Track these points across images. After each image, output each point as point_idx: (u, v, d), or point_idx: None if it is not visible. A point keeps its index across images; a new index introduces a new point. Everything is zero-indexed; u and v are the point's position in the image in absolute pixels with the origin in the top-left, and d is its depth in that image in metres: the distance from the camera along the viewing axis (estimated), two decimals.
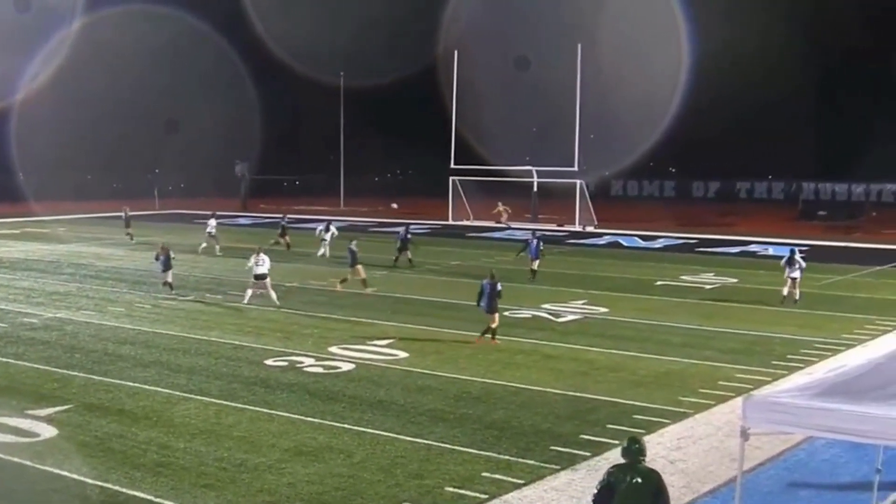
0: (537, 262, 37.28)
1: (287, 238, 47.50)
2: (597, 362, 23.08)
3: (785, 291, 32.11)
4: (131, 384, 20.57)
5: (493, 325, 24.69)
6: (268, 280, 30.70)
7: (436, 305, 31.51)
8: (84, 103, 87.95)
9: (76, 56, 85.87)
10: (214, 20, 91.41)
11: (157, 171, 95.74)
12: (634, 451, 10.55)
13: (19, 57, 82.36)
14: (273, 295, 30.52)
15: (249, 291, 30.95)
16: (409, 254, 41.49)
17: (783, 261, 32.72)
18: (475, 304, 25.24)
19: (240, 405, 19.00)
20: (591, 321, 28.91)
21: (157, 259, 33.60)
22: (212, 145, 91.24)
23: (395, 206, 63.12)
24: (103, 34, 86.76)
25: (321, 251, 43.67)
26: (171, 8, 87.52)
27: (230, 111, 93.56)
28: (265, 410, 18.62)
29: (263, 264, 30.59)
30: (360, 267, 34.11)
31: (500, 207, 65.27)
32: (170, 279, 33.19)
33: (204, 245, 45.63)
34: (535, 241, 37.68)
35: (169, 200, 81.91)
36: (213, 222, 46.70)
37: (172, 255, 33.58)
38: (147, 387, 20.36)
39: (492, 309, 24.66)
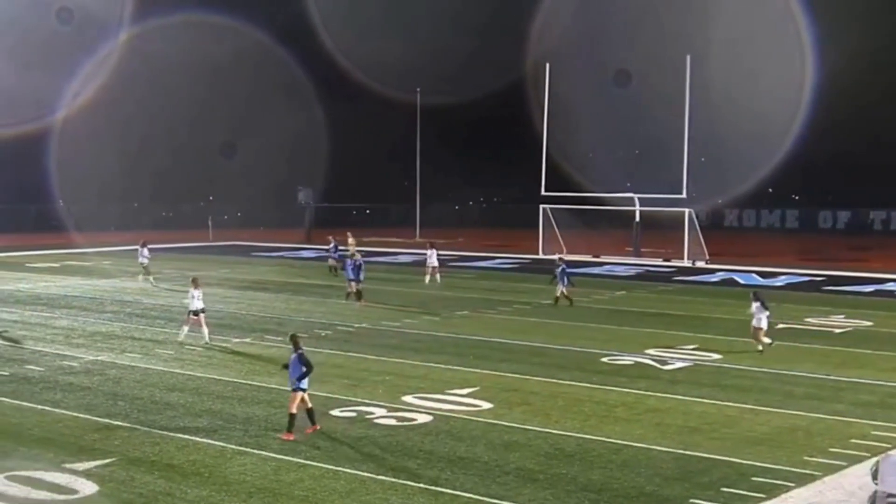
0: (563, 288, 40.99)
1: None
2: (709, 416, 22.76)
3: (759, 346, 30.65)
4: (180, 436, 20.72)
5: (293, 411, 20.73)
6: (202, 316, 31.93)
7: (524, 350, 31.31)
8: (130, 124, 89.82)
9: (122, 72, 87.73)
10: (276, 31, 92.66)
11: (210, 198, 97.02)
12: None
13: (60, 73, 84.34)
14: (205, 331, 31.68)
15: (186, 328, 32.07)
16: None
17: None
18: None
19: (301, 461, 19.03)
20: (702, 369, 28.53)
21: None
22: (272, 170, 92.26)
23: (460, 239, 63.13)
24: (152, 47, 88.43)
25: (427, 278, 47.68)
26: (228, 18, 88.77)
27: (293, 132, 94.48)
28: (330, 467, 18.62)
29: (198, 299, 31.88)
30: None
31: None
32: None
33: (142, 276, 49.58)
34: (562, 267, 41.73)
35: (224, 231, 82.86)
36: (144, 251, 50.02)
37: None
38: (198, 439, 20.51)
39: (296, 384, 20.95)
